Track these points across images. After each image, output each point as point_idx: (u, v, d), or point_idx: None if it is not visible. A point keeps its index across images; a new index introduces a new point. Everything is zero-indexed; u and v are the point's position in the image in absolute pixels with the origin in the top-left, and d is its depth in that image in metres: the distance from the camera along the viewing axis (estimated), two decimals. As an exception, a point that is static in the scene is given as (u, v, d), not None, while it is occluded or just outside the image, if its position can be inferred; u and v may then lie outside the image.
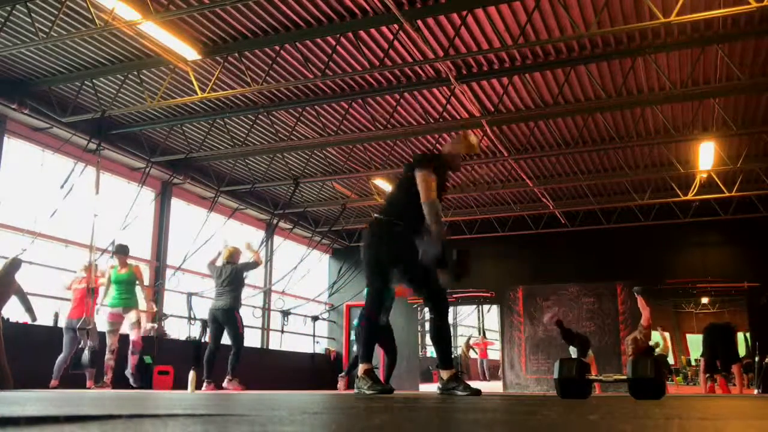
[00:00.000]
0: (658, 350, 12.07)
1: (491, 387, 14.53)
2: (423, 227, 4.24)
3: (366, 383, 4.11)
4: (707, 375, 10.70)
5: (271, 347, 14.30)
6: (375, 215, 4.55)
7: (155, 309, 11.15)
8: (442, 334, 4.32)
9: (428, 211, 4.16)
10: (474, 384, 4.48)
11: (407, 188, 4.32)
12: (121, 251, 8.35)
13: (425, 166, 4.27)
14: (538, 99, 9.25)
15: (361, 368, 4.20)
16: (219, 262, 8.10)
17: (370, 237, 4.38)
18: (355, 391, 4.19)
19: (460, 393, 4.08)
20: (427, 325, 16.51)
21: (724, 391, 10.28)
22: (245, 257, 8.34)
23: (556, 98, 9.13)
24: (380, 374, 6.90)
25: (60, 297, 9.43)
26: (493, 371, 17.46)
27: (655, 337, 13.56)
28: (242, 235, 13.81)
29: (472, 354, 17.92)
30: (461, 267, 4.25)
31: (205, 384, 7.83)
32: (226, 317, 7.80)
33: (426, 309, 10.58)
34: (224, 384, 7.91)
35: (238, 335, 7.89)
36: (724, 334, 10.62)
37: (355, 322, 8.20)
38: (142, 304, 8.57)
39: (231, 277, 7.90)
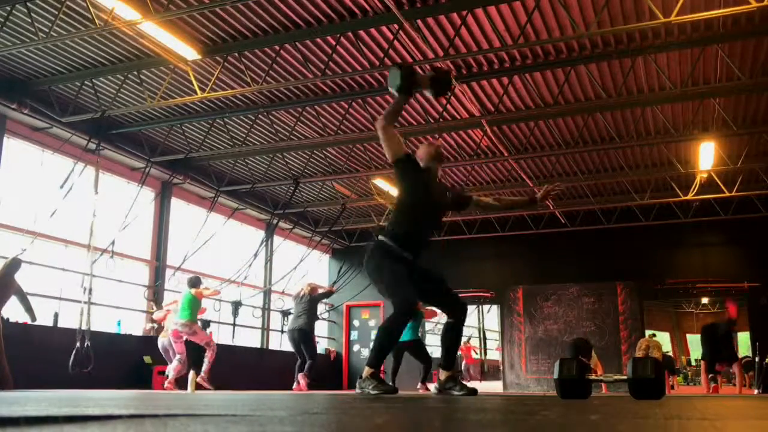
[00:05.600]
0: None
1: (489, 387, 14.53)
2: (415, 236, 4.19)
3: (370, 383, 4.11)
4: (710, 376, 10.69)
5: (271, 347, 14.30)
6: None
7: (155, 309, 11.17)
8: (454, 337, 4.32)
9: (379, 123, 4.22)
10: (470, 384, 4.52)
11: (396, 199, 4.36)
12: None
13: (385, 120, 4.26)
14: (538, 99, 9.25)
15: (366, 371, 4.17)
16: (301, 293, 9.99)
17: (369, 254, 4.31)
18: (358, 390, 4.20)
19: (456, 393, 4.13)
20: (428, 326, 16.50)
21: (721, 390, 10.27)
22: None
23: (556, 98, 9.13)
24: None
25: (59, 297, 9.44)
26: (492, 371, 17.47)
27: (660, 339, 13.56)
28: (242, 235, 13.83)
29: (473, 354, 17.92)
30: (438, 80, 4.26)
31: (295, 384, 9.71)
32: (303, 337, 9.65)
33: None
34: (299, 378, 9.72)
35: (313, 353, 9.80)
36: (722, 333, 10.60)
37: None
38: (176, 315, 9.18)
39: (308, 303, 9.79)
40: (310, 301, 9.84)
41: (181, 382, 9.05)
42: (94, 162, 9.61)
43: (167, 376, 8.95)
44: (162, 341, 9.46)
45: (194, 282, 9.27)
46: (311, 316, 9.84)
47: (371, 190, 12.69)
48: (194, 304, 9.07)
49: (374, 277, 4.23)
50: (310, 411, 1.87)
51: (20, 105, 8.77)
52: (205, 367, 8.93)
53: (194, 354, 9.66)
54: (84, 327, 8.52)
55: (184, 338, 8.93)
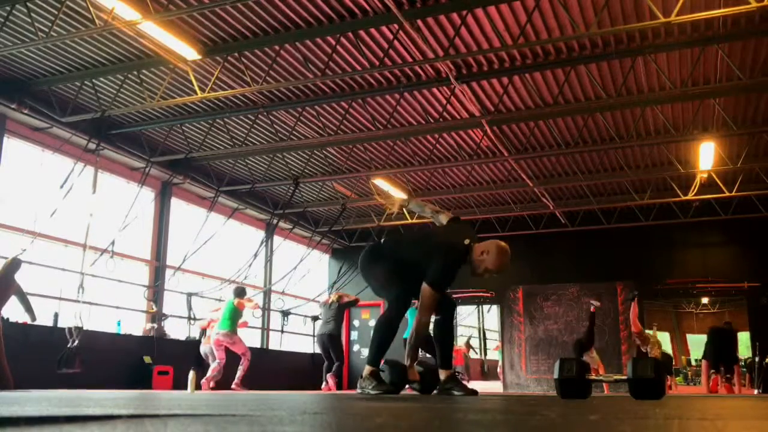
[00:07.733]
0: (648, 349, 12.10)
1: (489, 387, 14.52)
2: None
3: (371, 383, 4.09)
4: (711, 371, 10.73)
5: (271, 347, 14.29)
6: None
7: (154, 309, 11.18)
8: (445, 336, 4.35)
9: (416, 327, 4.16)
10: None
11: (413, 270, 4.14)
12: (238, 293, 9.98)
13: (437, 287, 4.06)
14: (538, 99, 9.25)
15: (366, 369, 4.16)
16: (330, 301, 10.86)
17: (369, 254, 4.38)
18: (359, 390, 4.19)
19: (457, 393, 4.11)
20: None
21: (729, 392, 10.31)
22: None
23: (556, 98, 9.13)
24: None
25: (59, 297, 9.44)
26: (492, 371, 17.46)
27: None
28: (242, 235, 13.83)
29: (471, 354, 17.91)
30: (426, 383, 4.43)
31: (323, 384, 10.60)
32: (332, 342, 10.50)
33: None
34: (327, 378, 10.53)
35: (341, 356, 10.63)
36: (727, 337, 10.66)
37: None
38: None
39: (336, 310, 10.62)
40: (339, 308, 10.66)
41: (218, 383, 9.64)
42: (94, 162, 9.61)
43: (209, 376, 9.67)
44: (204, 348, 10.17)
45: (239, 292, 9.94)
46: (339, 321, 10.68)
47: (371, 190, 12.69)
48: (235, 315, 9.70)
49: (366, 275, 4.34)
50: (310, 411, 1.87)
51: (20, 105, 8.77)
52: (239, 374, 9.71)
53: (195, 356, 9.69)
54: (74, 326, 8.52)
55: (224, 347, 9.62)
